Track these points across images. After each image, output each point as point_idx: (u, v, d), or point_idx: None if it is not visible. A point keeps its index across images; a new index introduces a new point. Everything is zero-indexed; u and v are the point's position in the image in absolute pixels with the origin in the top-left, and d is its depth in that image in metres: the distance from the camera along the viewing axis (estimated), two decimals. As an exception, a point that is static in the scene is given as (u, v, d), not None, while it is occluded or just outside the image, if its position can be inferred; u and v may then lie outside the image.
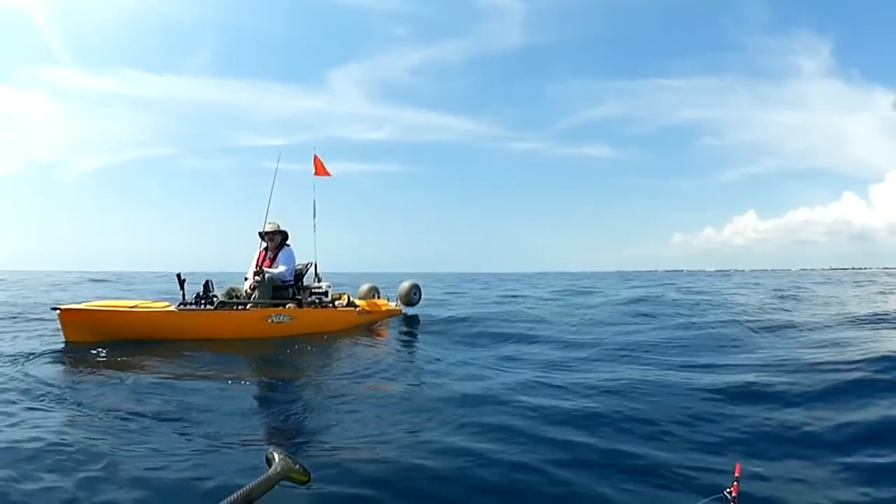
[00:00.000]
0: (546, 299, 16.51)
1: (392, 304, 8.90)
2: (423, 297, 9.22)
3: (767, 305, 12.90)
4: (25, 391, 3.86)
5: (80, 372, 4.65)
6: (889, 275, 45.53)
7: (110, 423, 3.26)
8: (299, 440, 3.27)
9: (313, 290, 7.44)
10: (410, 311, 9.23)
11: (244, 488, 0.87)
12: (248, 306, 6.72)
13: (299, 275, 7.53)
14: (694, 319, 9.48)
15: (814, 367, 5.12)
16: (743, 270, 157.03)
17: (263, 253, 7.41)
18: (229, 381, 4.48)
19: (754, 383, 4.57)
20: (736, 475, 1.83)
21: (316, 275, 8.01)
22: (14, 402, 3.57)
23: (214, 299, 6.70)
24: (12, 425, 3.11)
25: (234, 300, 6.79)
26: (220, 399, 3.95)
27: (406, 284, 9.01)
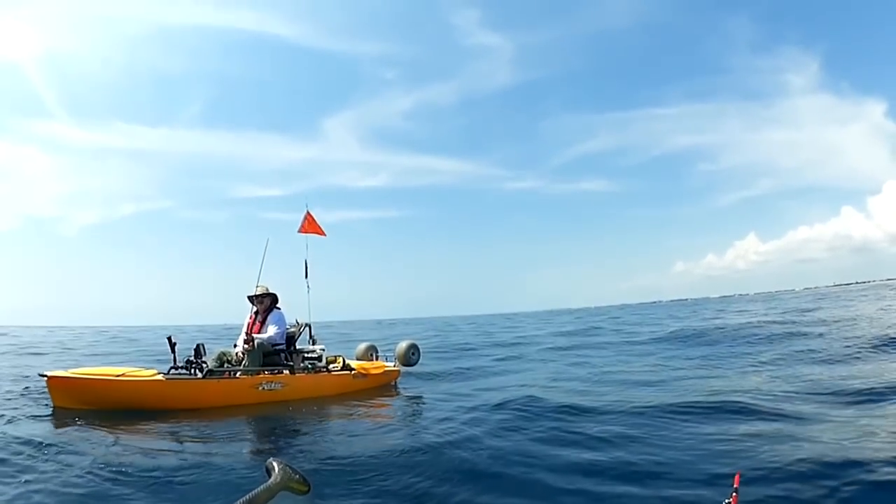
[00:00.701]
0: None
1: (390, 365, 8.59)
2: (422, 353, 8.95)
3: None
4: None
5: (62, 437, 4.57)
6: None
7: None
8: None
9: (306, 355, 7.21)
10: (408, 370, 8.93)
11: (244, 498, 0.87)
12: (238, 373, 6.52)
13: (291, 338, 7.33)
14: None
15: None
16: (747, 294, 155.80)
17: (253, 317, 7.28)
18: (217, 449, 4.33)
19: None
20: (735, 486, 1.84)
21: (311, 337, 7.84)
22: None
23: (204, 365, 6.52)
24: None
25: (225, 366, 6.61)
26: (206, 468, 3.80)
27: (404, 344, 8.76)
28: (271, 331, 6.98)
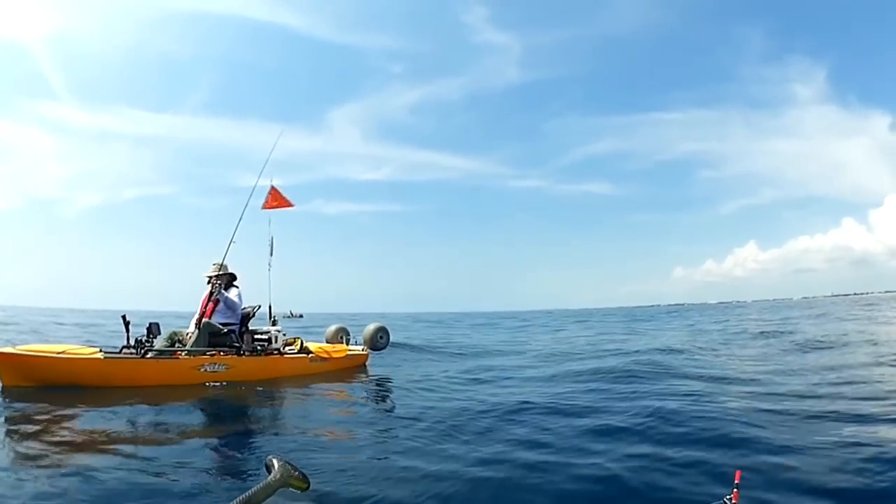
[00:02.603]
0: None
1: (357, 348, 8.10)
2: (389, 340, 8.43)
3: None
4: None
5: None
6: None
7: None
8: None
9: (255, 336, 6.68)
10: (378, 355, 8.46)
11: (243, 495, 0.86)
12: (182, 354, 6.06)
13: (246, 318, 6.81)
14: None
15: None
16: (745, 302, 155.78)
17: (208, 297, 6.81)
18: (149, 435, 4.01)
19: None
20: (736, 482, 1.85)
21: (271, 318, 7.33)
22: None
23: (149, 346, 6.18)
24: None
25: (176, 347, 6.22)
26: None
27: (372, 326, 8.31)
28: (232, 294, 6.65)
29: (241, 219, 7.17)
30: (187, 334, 6.48)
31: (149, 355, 5.95)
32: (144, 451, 3.47)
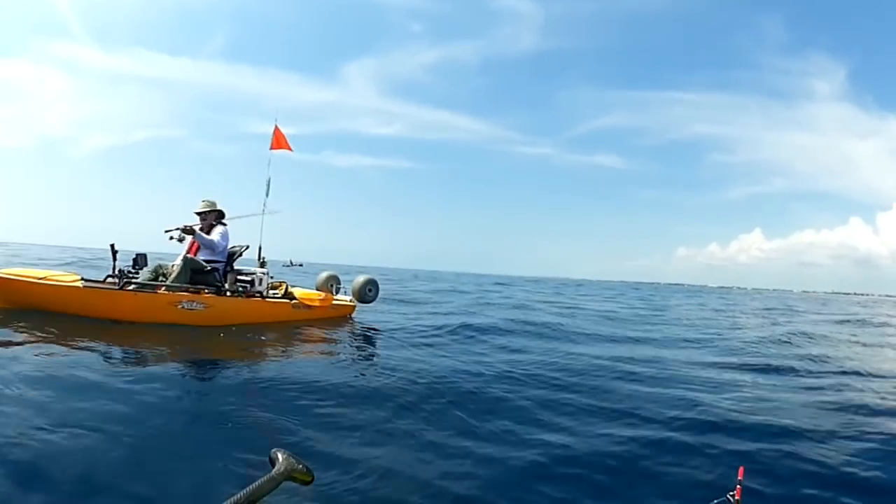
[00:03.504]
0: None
1: (345, 299, 7.95)
2: (378, 293, 8.27)
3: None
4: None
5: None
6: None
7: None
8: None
9: (238, 277, 6.53)
10: (366, 308, 8.34)
11: (248, 488, 0.86)
12: (163, 289, 5.94)
13: (231, 257, 6.66)
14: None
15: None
16: (745, 289, 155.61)
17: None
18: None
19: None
20: (739, 478, 1.85)
21: (259, 259, 7.17)
22: None
23: (134, 277, 6.10)
24: None
25: (159, 280, 6.13)
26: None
27: (361, 278, 8.10)
28: (215, 235, 6.47)
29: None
30: (172, 267, 6.35)
31: (129, 287, 5.86)
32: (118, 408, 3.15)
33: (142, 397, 3.30)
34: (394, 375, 4.48)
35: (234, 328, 5.98)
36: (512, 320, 9.46)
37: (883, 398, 4.82)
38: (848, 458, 3.11)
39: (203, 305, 5.94)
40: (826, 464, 3.01)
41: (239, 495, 0.84)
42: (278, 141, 7.74)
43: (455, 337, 7.25)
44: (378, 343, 6.54)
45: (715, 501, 1.86)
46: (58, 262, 14.43)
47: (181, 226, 6.35)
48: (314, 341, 6.27)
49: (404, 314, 9.72)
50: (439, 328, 7.80)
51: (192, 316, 5.86)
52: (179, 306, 5.84)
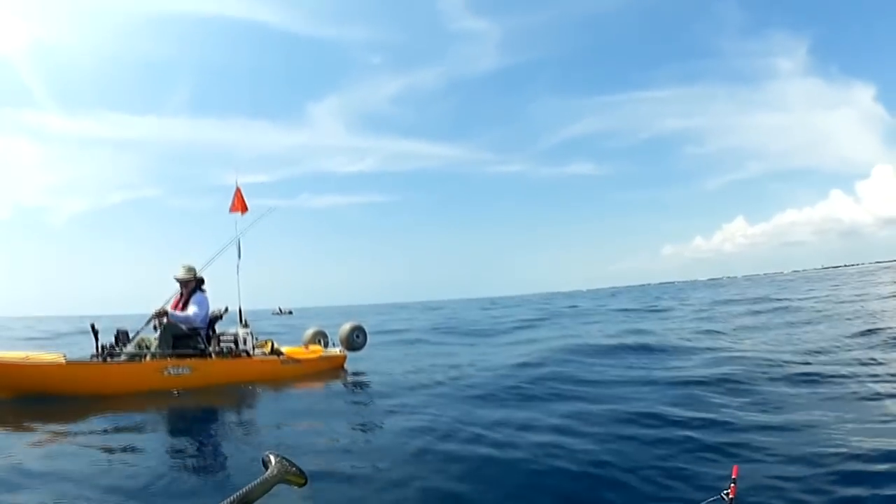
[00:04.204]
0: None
1: (335, 350, 7.95)
2: (368, 336, 8.29)
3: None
4: None
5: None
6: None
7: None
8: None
9: (221, 338, 6.57)
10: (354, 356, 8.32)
11: (241, 491, 0.86)
12: (146, 357, 6.01)
13: (214, 321, 6.71)
14: None
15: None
16: (735, 277, 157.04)
17: (178, 300, 6.73)
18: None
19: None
20: (733, 476, 1.85)
21: (241, 320, 7.21)
22: None
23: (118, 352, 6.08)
24: None
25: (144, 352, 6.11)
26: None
27: (347, 326, 8.05)
28: (189, 311, 6.49)
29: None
30: (154, 339, 6.39)
31: (114, 359, 5.88)
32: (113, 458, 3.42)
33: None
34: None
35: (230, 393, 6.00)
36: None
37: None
38: (844, 454, 3.07)
39: (189, 369, 5.98)
40: (823, 462, 2.98)
41: (232, 498, 0.84)
42: (236, 203, 7.68)
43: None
44: (366, 386, 6.59)
45: (709, 500, 1.86)
46: (44, 337, 14.29)
47: (155, 310, 6.33)
48: (304, 395, 6.28)
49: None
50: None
51: (180, 380, 5.89)
52: (165, 372, 5.88)
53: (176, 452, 3.71)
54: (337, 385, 6.68)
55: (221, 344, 6.55)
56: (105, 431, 4.31)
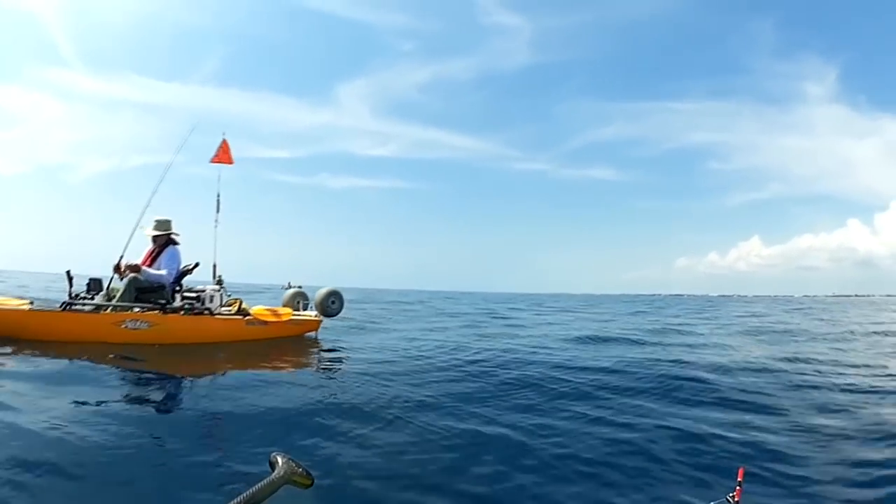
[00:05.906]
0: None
1: (310, 314, 7.74)
2: (342, 305, 8.08)
3: None
4: None
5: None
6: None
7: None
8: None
9: (185, 294, 6.43)
10: (330, 322, 8.16)
11: (247, 492, 0.86)
12: (108, 308, 5.92)
13: (182, 276, 6.58)
14: None
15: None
16: (746, 296, 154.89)
17: (149, 254, 6.64)
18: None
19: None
20: (739, 479, 1.84)
21: (214, 277, 7.08)
22: None
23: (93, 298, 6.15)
24: None
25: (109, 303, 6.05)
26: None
27: (323, 290, 7.79)
28: (163, 270, 6.40)
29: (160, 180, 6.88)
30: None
31: (73, 308, 5.82)
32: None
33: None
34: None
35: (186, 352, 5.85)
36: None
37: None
38: (848, 459, 3.07)
39: (147, 324, 5.88)
40: (825, 465, 2.98)
41: (238, 499, 0.84)
42: (220, 154, 7.51)
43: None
44: (340, 357, 6.39)
45: (715, 502, 1.84)
46: (38, 289, 14.34)
47: (127, 263, 6.23)
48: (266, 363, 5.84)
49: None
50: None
51: (137, 335, 5.81)
52: (123, 325, 5.80)
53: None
54: (304, 356, 6.49)
55: (183, 301, 6.40)
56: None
